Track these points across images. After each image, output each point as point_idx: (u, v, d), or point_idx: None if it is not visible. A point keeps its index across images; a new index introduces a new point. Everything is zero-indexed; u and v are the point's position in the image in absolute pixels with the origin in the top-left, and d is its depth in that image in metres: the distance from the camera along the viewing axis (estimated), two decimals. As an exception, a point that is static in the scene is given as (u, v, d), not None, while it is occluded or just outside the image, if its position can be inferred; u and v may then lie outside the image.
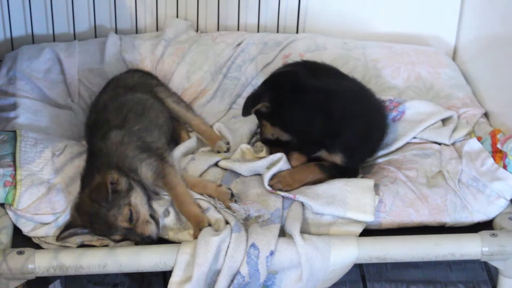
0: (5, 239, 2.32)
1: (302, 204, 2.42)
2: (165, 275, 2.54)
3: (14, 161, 2.46)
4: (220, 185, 2.46)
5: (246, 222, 2.37)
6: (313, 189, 2.44)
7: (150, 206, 2.38)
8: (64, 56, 2.99)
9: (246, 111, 2.54)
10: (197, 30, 3.22)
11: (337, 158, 2.52)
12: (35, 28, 3.14)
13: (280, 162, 2.52)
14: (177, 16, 3.21)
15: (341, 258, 2.28)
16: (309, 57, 2.98)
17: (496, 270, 2.44)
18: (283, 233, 2.34)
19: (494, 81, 2.86)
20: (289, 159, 2.55)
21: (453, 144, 2.68)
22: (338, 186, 2.44)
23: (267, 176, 2.48)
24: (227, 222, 2.35)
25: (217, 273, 2.26)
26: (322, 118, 2.47)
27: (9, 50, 3.09)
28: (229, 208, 2.41)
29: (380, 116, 2.66)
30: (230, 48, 3.07)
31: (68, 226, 2.35)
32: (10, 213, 2.38)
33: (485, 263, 2.56)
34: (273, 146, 2.60)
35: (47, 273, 2.25)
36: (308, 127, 2.48)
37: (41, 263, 2.23)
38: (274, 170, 2.50)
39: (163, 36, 3.09)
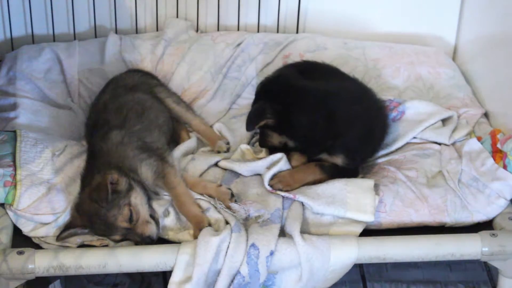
0: (5, 239, 2.31)
1: (302, 204, 2.42)
2: (165, 275, 2.54)
3: (14, 161, 2.46)
4: (220, 185, 2.46)
5: (246, 222, 2.37)
6: (313, 189, 2.44)
7: (150, 206, 2.37)
8: (64, 56, 2.99)
9: (250, 127, 2.52)
10: (197, 30, 3.22)
11: (338, 159, 2.52)
12: (35, 28, 3.14)
13: (280, 162, 2.51)
14: (177, 16, 3.21)
15: (341, 258, 2.28)
16: (309, 57, 2.98)
17: (496, 270, 2.44)
18: (283, 233, 2.34)
19: (494, 81, 2.86)
20: (289, 160, 2.55)
21: (453, 144, 2.67)
22: (338, 186, 2.44)
23: (267, 176, 2.47)
24: (227, 222, 2.34)
25: (217, 273, 2.26)
26: (324, 120, 2.46)
27: (9, 50, 3.09)
28: (229, 208, 2.41)
29: (381, 116, 2.65)
30: (230, 48, 3.06)
31: (68, 226, 2.34)
32: (10, 213, 2.38)
33: (485, 263, 2.56)
34: (277, 151, 2.57)
35: (47, 273, 2.25)
36: (312, 131, 2.48)
37: (41, 263, 2.23)
38: (274, 170, 2.49)
39: (163, 36, 3.09)
